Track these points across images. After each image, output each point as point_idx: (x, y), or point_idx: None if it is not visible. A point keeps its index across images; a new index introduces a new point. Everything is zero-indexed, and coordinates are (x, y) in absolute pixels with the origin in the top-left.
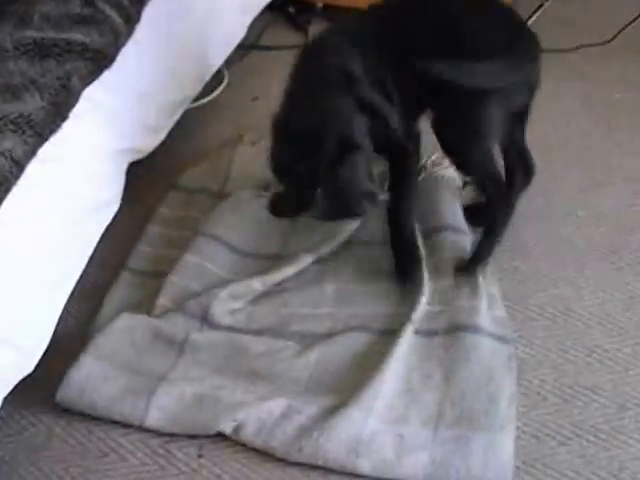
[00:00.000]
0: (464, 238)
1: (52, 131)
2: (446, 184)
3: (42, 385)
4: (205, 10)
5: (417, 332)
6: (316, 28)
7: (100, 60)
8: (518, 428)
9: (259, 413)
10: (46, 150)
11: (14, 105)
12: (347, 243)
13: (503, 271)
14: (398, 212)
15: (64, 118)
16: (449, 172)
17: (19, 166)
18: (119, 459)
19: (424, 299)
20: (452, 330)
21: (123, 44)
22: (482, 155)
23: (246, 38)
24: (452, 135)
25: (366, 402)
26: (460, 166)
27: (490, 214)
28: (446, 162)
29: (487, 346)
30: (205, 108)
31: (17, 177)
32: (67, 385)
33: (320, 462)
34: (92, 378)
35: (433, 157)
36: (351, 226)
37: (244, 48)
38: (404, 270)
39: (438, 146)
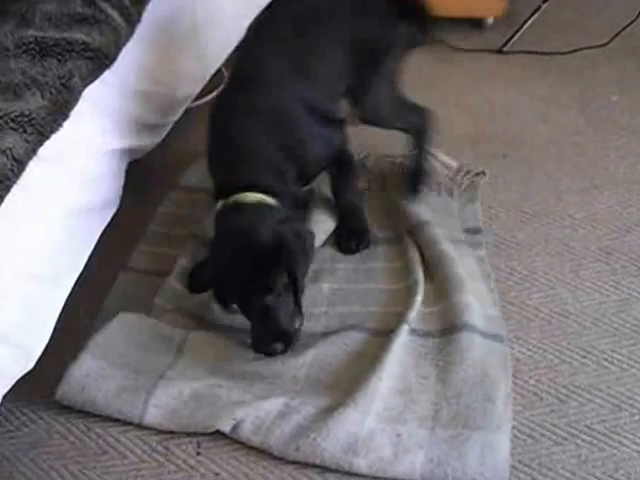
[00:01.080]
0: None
1: (53, 130)
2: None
3: (42, 382)
4: (205, 10)
5: (413, 332)
6: None
7: (101, 59)
8: (514, 428)
9: (257, 412)
10: (47, 149)
11: (15, 104)
12: None
13: (499, 272)
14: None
15: (65, 117)
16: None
17: (20, 164)
18: (118, 456)
19: (419, 298)
20: (447, 331)
21: (124, 44)
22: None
23: None
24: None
25: (364, 402)
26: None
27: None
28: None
29: (481, 345)
30: (205, 108)
31: (18, 175)
32: (67, 382)
33: (317, 461)
34: (92, 376)
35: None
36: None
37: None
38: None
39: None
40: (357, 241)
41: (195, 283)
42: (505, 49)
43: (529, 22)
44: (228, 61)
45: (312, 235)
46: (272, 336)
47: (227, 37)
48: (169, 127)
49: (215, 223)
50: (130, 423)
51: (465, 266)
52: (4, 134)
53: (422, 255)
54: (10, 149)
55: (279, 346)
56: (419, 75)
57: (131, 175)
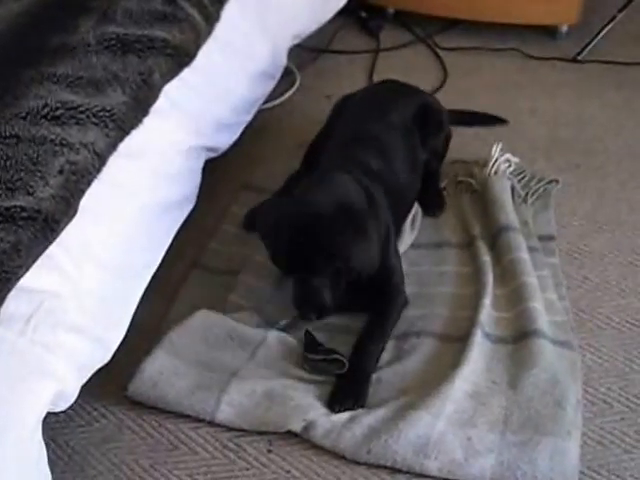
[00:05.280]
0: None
1: (133, 126)
2: (508, 183)
3: (113, 378)
4: (277, 10)
5: (486, 336)
6: (387, 34)
7: (181, 57)
8: (584, 434)
9: (328, 414)
10: (126, 144)
11: (97, 99)
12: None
13: (572, 280)
14: (369, 337)
15: (145, 113)
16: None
17: (101, 159)
18: (189, 452)
19: (487, 302)
20: (519, 338)
21: (203, 42)
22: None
23: (318, 41)
24: None
25: (435, 404)
26: None
27: None
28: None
29: (552, 351)
30: (277, 109)
31: (99, 170)
32: (139, 378)
33: (389, 463)
34: (165, 372)
35: (500, 154)
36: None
37: (316, 51)
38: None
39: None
40: (353, 402)
41: (253, 222)
42: (579, 58)
43: (604, 31)
44: (300, 64)
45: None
46: (312, 304)
47: (295, 33)
48: (243, 126)
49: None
50: (202, 420)
51: (538, 275)
52: (86, 129)
53: (497, 260)
54: (92, 143)
55: (313, 316)
56: (493, 82)
57: (205, 174)
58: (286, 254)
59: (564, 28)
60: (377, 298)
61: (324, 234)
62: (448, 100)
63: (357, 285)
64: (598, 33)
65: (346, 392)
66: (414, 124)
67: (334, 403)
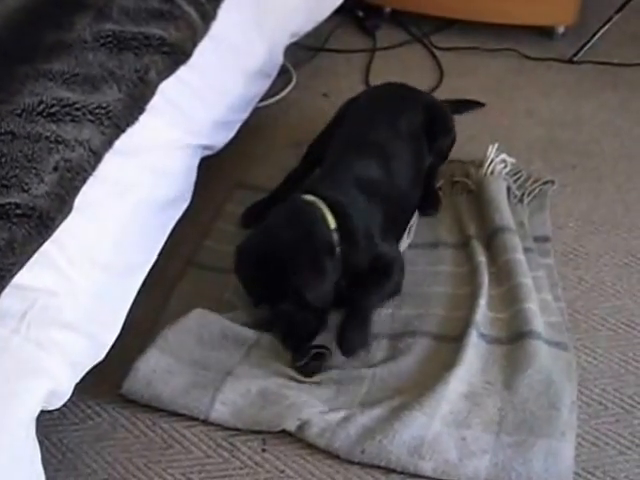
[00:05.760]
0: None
1: (129, 123)
2: (504, 184)
3: (107, 376)
4: (274, 9)
5: (481, 337)
6: (384, 33)
7: (177, 55)
8: (578, 436)
9: (323, 413)
10: (122, 142)
11: (93, 96)
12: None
13: (567, 281)
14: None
15: (141, 111)
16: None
17: (96, 156)
18: (183, 451)
19: (482, 302)
20: (514, 338)
21: (199, 40)
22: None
23: (314, 40)
24: None
25: (430, 404)
26: None
27: None
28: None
29: (547, 353)
30: (273, 108)
31: (94, 167)
32: (134, 377)
33: (383, 463)
34: (159, 371)
35: (496, 155)
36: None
37: (312, 50)
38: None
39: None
40: (361, 343)
41: (250, 220)
42: (576, 59)
43: (601, 32)
44: (296, 62)
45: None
46: (293, 335)
47: (292, 32)
48: (239, 125)
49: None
50: (196, 419)
51: (533, 276)
52: (82, 126)
53: (492, 261)
54: (87, 141)
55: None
56: (489, 82)
57: (200, 172)
58: (249, 285)
59: (561, 29)
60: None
61: (281, 268)
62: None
63: (356, 278)
64: (595, 34)
65: (353, 336)
66: (422, 130)
67: (347, 350)
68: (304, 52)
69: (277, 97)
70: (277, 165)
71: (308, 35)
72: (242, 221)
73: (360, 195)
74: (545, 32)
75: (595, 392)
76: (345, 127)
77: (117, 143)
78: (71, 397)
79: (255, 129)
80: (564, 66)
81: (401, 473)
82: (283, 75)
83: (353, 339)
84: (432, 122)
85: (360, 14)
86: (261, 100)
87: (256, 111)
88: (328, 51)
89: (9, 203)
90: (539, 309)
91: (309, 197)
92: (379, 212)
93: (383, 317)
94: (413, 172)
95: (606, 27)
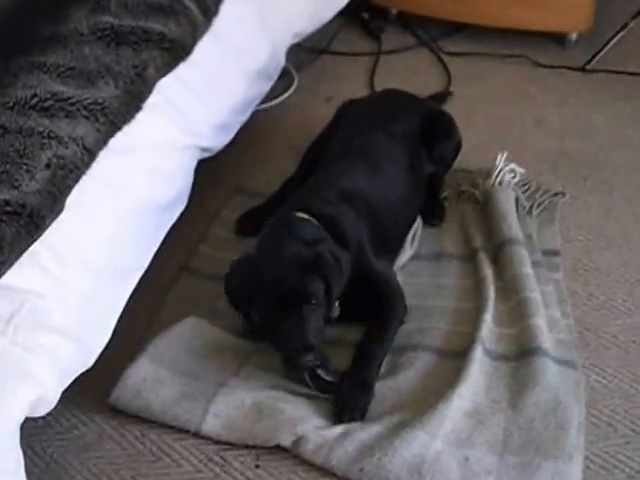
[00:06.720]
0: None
1: (125, 120)
2: (512, 194)
3: (94, 384)
4: (279, 7)
5: (486, 353)
6: (390, 36)
7: (177, 51)
8: (586, 458)
9: (319, 429)
10: (118, 140)
11: (88, 91)
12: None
13: (576, 296)
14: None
15: (138, 108)
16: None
17: (91, 154)
18: (173, 464)
19: (488, 318)
20: (520, 355)
21: (200, 37)
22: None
23: (317, 42)
24: None
25: (432, 422)
26: None
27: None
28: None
29: (554, 371)
30: (273, 111)
31: (88, 165)
32: (122, 386)
33: None
34: (149, 380)
35: (505, 164)
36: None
37: (315, 52)
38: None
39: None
40: (359, 412)
41: (246, 227)
42: (588, 67)
43: (614, 40)
44: (298, 64)
45: (348, 259)
46: (302, 349)
47: (295, 32)
48: (238, 127)
49: None
50: (187, 431)
51: (542, 291)
52: (76, 122)
53: (499, 274)
54: (81, 138)
55: (310, 358)
56: (498, 89)
57: (197, 175)
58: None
59: (573, 36)
60: (375, 307)
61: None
62: (450, 107)
63: (351, 296)
64: (608, 41)
65: (351, 402)
66: (419, 138)
67: (342, 414)
68: (307, 54)
69: (278, 100)
70: (276, 170)
71: (311, 36)
72: (237, 227)
73: (349, 209)
74: (557, 39)
75: (604, 413)
76: (340, 134)
77: (112, 141)
78: (57, 405)
79: (255, 132)
80: (576, 74)
81: None
82: (284, 77)
83: (352, 405)
84: (430, 129)
85: (365, 16)
86: (261, 103)
87: (255, 114)
88: (331, 53)
89: None
90: (547, 325)
91: (301, 214)
92: (369, 225)
93: None
94: (409, 181)
95: (621, 34)
